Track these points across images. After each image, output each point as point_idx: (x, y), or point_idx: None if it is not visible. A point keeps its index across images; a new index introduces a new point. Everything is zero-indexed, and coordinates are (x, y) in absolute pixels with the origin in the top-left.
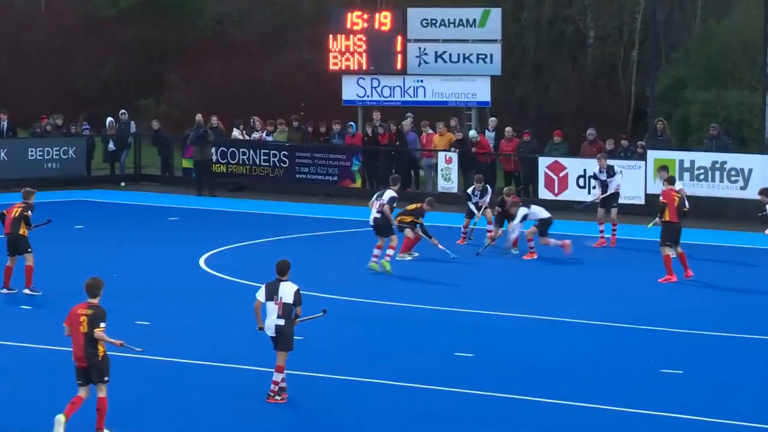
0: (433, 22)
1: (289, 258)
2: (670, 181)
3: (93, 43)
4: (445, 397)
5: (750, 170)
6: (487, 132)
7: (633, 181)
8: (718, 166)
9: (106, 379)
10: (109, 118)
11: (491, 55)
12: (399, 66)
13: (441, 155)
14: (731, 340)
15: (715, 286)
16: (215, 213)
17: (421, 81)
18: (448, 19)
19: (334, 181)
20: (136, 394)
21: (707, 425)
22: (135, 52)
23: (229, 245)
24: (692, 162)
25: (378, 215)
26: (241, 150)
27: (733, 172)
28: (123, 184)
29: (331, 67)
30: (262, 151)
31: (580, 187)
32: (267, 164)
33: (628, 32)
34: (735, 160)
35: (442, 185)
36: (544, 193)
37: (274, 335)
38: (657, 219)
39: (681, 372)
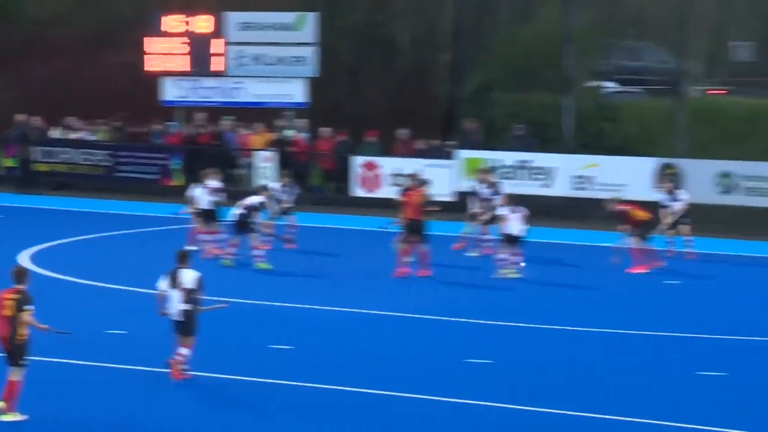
0: (251, 25)
1: (111, 254)
2: (418, 182)
3: None
4: (262, 387)
5: (553, 169)
6: (301, 132)
7: (443, 180)
8: (523, 164)
9: (21, 362)
10: None
11: (307, 57)
12: (218, 68)
13: (259, 154)
14: (543, 331)
15: (502, 279)
16: (38, 211)
17: (240, 82)
18: (266, 23)
19: (154, 180)
20: None
21: (518, 412)
22: None
23: (52, 242)
24: (499, 161)
25: (244, 212)
26: (62, 149)
27: (537, 171)
28: None
29: (151, 69)
30: (84, 150)
31: (393, 185)
32: (89, 163)
33: (438, 36)
34: (539, 159)
35: (258, 185)
36: (358, 191)
37: (180, 320)
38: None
39: (491, 362)
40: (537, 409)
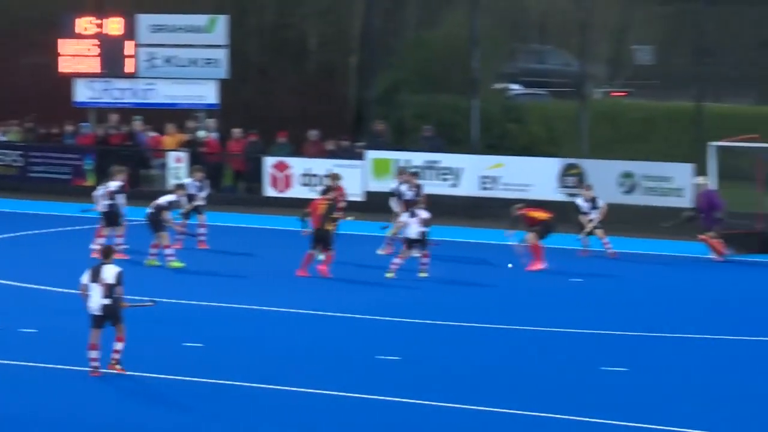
0: (162, 27)
1: (23, 254)
2: (332, 183)
3: None
4: (175, 384)
5: (460, 169)
6: (212, 133)
7: (353, 180)
8: (431, 165)
9: None
10: None
11: (218, 59)
12: (130, 69)
13: (171, 155)
14: (450, 328)
15: (419, 279)
16: None
17: (152, 84)
18: (177, 25)
19: (67, 180)
20: None
21: (426, 408)
22: None
23: None
24: (407, 161)
25: (153, 210)
26: None
27: (445, 171)
28: None
29: (63, 70)
30: None
31: (304, 185)
32: (1, 163)
33: (347, 39)
34: (447, 159)
35: (172, 184)
36: (269, 191)
37: (100, 314)
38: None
39: (399, 358)
40: (443, 404)
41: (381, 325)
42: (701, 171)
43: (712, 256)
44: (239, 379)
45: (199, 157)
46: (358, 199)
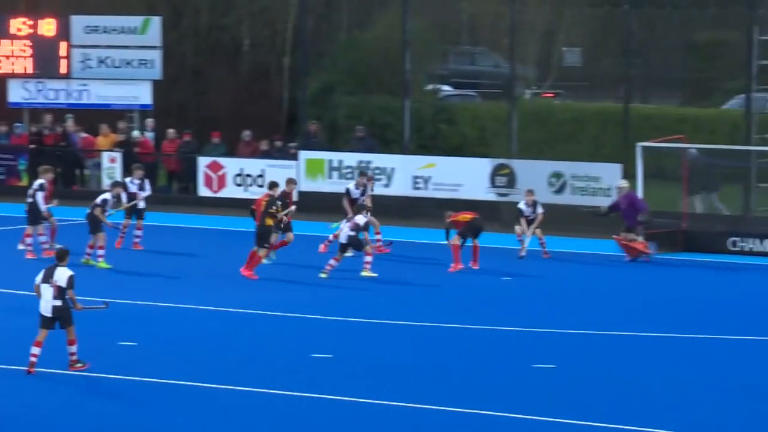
0: (96, 28)
1: None
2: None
3: None
4: (109, 383)
5: (392, 169)
6: (146, 133)
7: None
8: (364, 165)
9: None
10: None
11: (152, 60)
12: (64, 70)
13: (105, 155)
14: (381, 326)
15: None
16: None
17: (86, 85)
18: (111, 26)
19: (1, 180)
20: None
21: (359, 405)
22: None
23: None
24: (340, 161)
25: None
26: None
27: (377, 171)
28: None
29: None
30: None
31: (237, 185)
32: None
33: (280, 41)
34: (379, 159)
35: (107, 184)
36: (203, 191)
37: (50, 315)
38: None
39: (331, 356)
40: (376, 401)
41: (316, 324)
42: (629, 171)
43: (627, 256)
44: (172, 377)
45: (132, 158)
46: (292, 199)
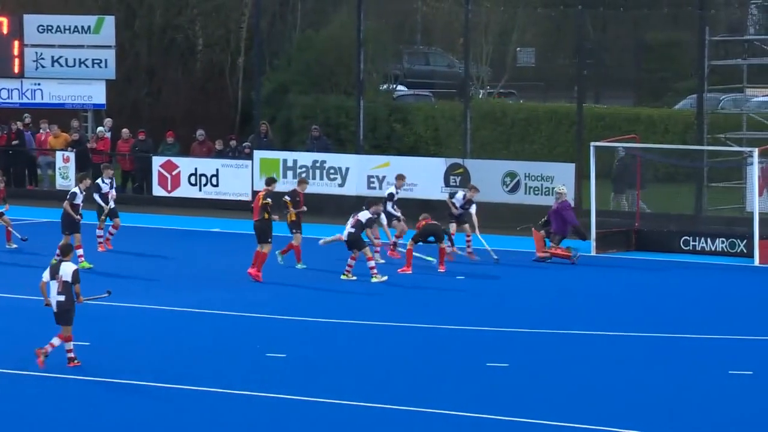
0: (50, 28)
1: None
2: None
3: None
4: (58, 383)
5: (347, 169)
6: (103, 131)
7: (241, 180)
8: (318, 165)
9: None
10: None
11: (106, 60)
12: (16, 69)
13: (59, 154)
14: (336, 325)
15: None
16: None
17: (39, 84)
18: (64, 26)
19: None
20: None
21: (312, 404)
22: None
23: None
24: (295, 161)
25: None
26: None
27: (331, 171)
28: None
29: None
30: None
31: (192, 184)
32: None
33: (234, 40)
34: (333, 159)
35: (60, 183)
36: (158, 191)
37: (56, 311)
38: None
39: (284, 355)
40: (329, 401)
41: (273, 324)
42: (583, 171)
43: (539, 253)
44: (125, 377)
45: (86, 157)
46: (247, 198)
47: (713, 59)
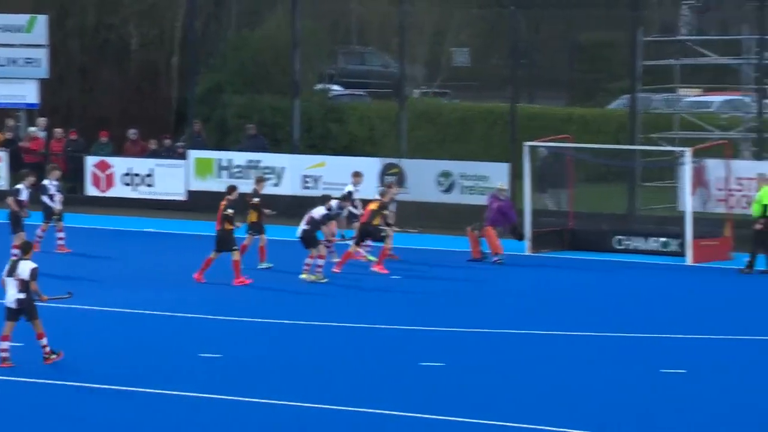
0: None
1: None
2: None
3: None
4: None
5: (282, 168)
6: (37, 131)
7: (175, 179)
8: (253, 164)
9: None
10: None
11: (38, 59)
12: None
13: None
14: (270, 325)
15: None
16: None
17: None
18: None
19: None
20: None
21: (246, 404)
22: None
23: None
24: (230, 161)
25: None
26: None
27: (267, 170)
28: None
29: None
30: None
31: (126, 184)
32: None
33: (168, 40)
34: (268, 159)
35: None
36: (91, 190)
37: (15, 307)
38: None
39: (220, 356)
40: (261, 401)
41: (208, 324)
42: (517, 170)
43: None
44: (54, 378)
45: (19, 157)
46: (181, 198)
47: (646, 59)
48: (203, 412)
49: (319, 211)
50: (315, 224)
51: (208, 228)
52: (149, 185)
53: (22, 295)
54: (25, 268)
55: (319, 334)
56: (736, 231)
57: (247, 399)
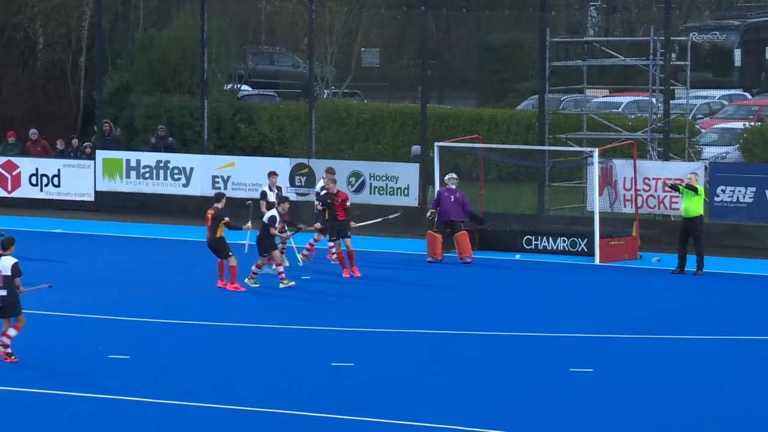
0: None
1: None
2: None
3: None
4: None
5: (191, 169)
6: None
7: (83, 180)
8: (162, 165)
9: None
10: None
11: None
12: None
13: None
14: (185, 326)
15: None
16: None
17: None
18: None
19: None
20: None
21: (156, 406)
22: None
23: None
24: (138, 161)
25: None
26: None
27: (176, 171)
28: None
29: None
30: None
31: (33, 185)
32: None
33: (75, 40)
34: (177, 159)
35: None
36: None
37: (0, 305)
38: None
39: (128, 357)
40: (171, 402)
41: (117, 325)
42: (427, 170)
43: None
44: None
45: None
46: (89, 198)
47: (554, 60)
48: (104, 413)
49: (267, 214)
50: (264, 227)
51: (116, 229)
52: (56, 186)
53: (3, 292)
54: (7, 263)
55: (232, 335)
56: (642, 231)
57: (154, 400)
